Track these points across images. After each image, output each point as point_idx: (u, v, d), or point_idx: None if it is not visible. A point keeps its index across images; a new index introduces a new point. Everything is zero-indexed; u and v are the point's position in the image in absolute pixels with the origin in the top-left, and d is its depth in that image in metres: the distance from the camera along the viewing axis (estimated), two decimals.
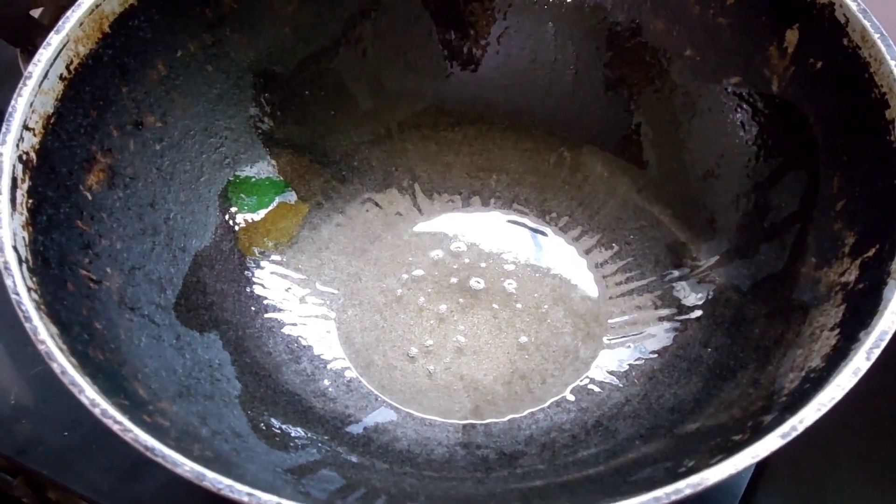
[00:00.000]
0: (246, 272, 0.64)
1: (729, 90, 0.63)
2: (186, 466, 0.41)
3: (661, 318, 0.63)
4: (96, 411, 0.42)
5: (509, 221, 0.69)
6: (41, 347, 0.44)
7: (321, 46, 0.67)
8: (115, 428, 0.42)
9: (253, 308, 0.63)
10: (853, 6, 0.54)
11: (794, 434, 0.41)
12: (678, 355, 0.60)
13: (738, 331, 0.58)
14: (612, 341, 0.63)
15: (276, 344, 0.62)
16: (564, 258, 0.67)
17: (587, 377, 0.62)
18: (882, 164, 0.51)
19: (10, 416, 0.63)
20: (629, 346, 0.63)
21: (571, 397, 0.61)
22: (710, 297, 0.62)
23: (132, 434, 0.42)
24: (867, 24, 0.53)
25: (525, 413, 0.60)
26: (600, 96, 0.68)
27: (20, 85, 0.51)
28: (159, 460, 0.42)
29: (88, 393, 0.43)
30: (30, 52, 0.73)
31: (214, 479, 0.41)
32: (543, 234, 0.69)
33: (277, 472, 0.50)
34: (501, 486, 0.53)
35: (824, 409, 0.42)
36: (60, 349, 0.44)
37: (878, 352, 0.44)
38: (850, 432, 0.60)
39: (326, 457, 0.54)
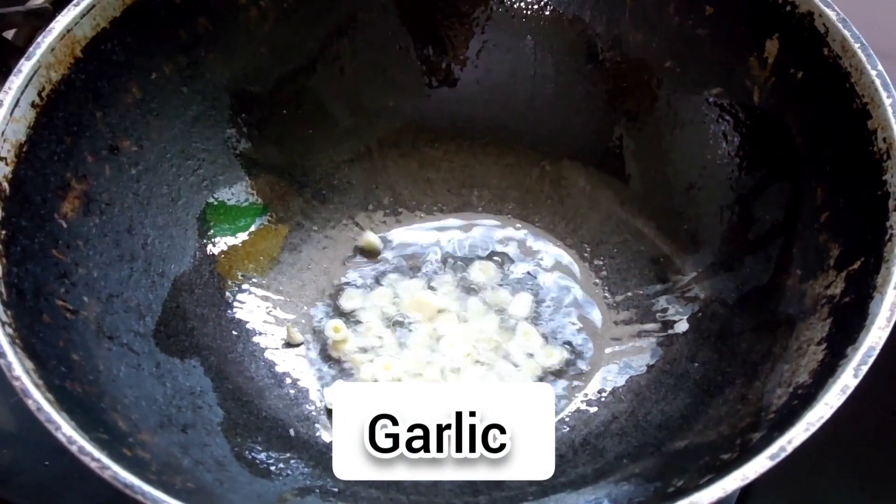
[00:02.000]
0: (226, 296, 0.64)
1: (710, 101, 0.62)
2: None
3: (646, 333, 0.63)
4: (73, 448, 0.42)
5: (492, 238, 0.69)
6: (16, 384, 0.43)
7: (298, 65, 0.67)
8: (93, 466, 0.41)
9: (234, 332, 0.62)
10: (833, 16, 0.54)
11: (783, 455, 0.41)
12: (665, 371, 0.60)
13: (725, 345, 0.58)
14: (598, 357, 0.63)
15: (259, 368, 0.61)
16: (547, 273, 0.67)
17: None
18: (865, 175, 0.51)
19: None
20: (615, 362, 0.62)
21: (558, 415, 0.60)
22: (695, 311, 0.62)
23: (110, 472, 0.41)
24: (847, 33, 0.53)
25: None
26: (581, 110, 0.68)
27: None
28: (139, 498, 0.41)
29: (65, 430, 0.42)
30: (3, 74, 0.72)
31: None
32: (526, 250, 0.68)
33: (261, 502, 0.50)
34: None
35: (813, 429, 0.42)
36: (36, 385, 0.44)
37: (865, 368, 0.43)
38: (840, 437, 0.60)
39: (311, 484, 0.54)
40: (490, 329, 0.64)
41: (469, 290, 0.66)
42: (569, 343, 0.63)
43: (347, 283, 0.67)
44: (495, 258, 0.68)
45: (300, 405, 0.60)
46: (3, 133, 0.50)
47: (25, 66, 0.52)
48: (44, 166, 0.53)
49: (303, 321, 0.65)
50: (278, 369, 0.62)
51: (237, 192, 0.66)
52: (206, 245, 0.64)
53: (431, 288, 0.66)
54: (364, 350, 0.63)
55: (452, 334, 0.64)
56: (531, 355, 0.63)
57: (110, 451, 0.42)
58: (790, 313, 0.54)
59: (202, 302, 0.62)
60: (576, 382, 0.62)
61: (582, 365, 0.62)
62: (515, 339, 0.63)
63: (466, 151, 0.71)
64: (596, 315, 0.65)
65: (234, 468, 0.52)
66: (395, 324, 0.64)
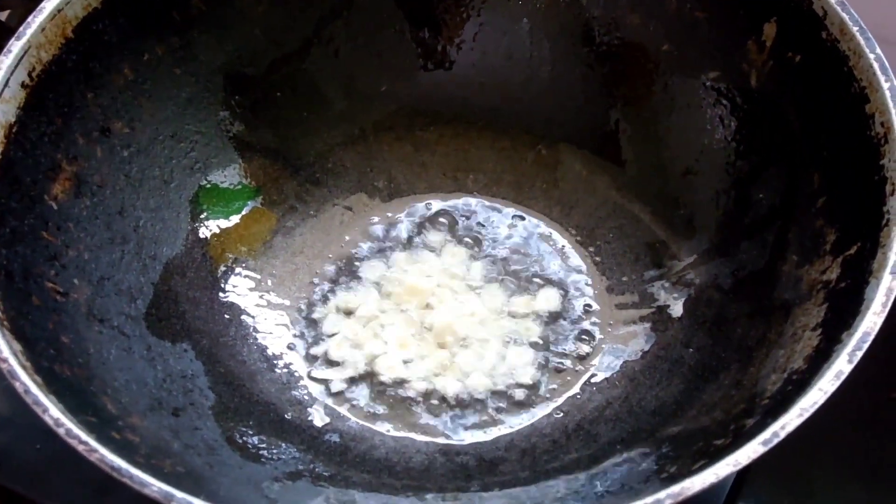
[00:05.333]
0: (219, 279, 0.63)
1: (707, 85, 0.62)
2: (154, 487, 0.40)
3: (641, 319, 0.62)
4: (61, 431, 0.41)
5: (487, 222, 0.69)
6: (3, 366, 0.43)
7: (293, 47, 0.66)
8: (81, 448, 0.41)
9: (226, 316, 0.62)
10: None
11: (776, 440, 0.41)
12: (659, 356, 0.60)
13: (720, 331, 0.57)
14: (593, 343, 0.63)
15: (251, 352, 0.61)
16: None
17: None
18: (863, 160, 0.50)
19: None
20: (610, 347, 0.62)
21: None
22: (691, 296, 0.61)
23: (98, 454, 0.41)
24: (846, 16, 0.52)
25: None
26: (577, 93, 0.67)
27: None
28: (126, 481, 0.41)
29: (52, 412, 0.42)
30: None
31: (183, 500, 0.40)
32: (523, 235, 0.68)
33: (251, 486, 0.50)
34: None
35: (806, 415, 0.42)
36: (24, 367, 0.43)
37: (860, 354, 0.43)
38: (834, 426, 0.60)
39: (302, 468, 0.53)
40: (483, 312, 0.64)
41: (462, 273, 0.66)
42: (564, 327, 0.63)
43: (342, 268, 0.66)
44: (492, 241, 0.67)
45: (292, 389, 0.60)
46: None
47: (15, 47, 0.52)
48: (34, 147, 0.52)
49: (297, 307, 0.65)
50: (270, 353, 0.62)
51: (230, 175, 0.66)
52: (198, 228, 0.64)
53: (424, 271, 0.66)
54: (352, 336, 0.63)
55: (448, 317, 0.63)
56: (523, 340, 0.63)
57: (98, 435, 0.42)
58: (786, 298, 0.53)
59: (194, 285, 0.62)
60: (571, 368, 0.61)
61: (576, 350, 0.62)
62: (509, 321, 0.63)
63: (462, 135, 0.70)
64: (590, 300, 0.64)
65: (225, 452, 0.52)
66: (392, 309, 0.64)
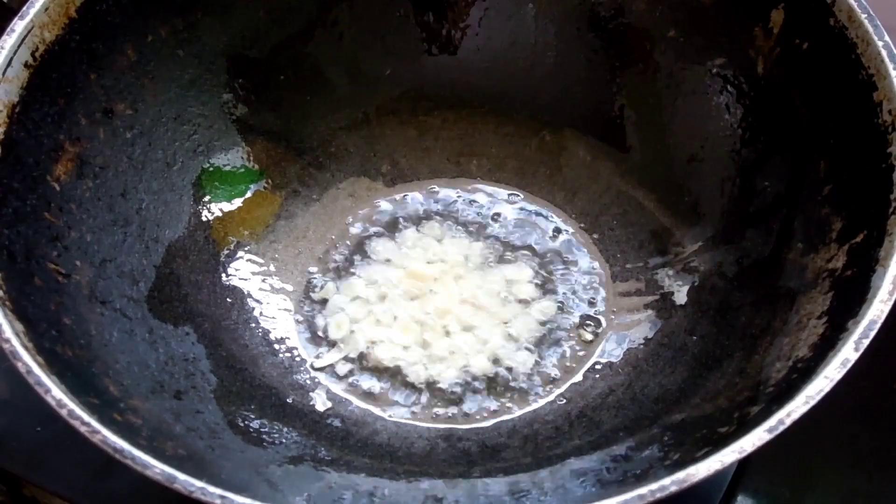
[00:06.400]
0: (221, 263, 0.63)
1: (714, 72, 0.62)
2: (157, 469, 0.40)
3: (645, 306, 0.62)
4: (63, 412, 0.41)
5: (490, 208, 0.68)
6: (6, 346, 0.43)
7: (296, 30, 0.66)
8: (83, 430, 0.41)
9: (229, 299, 0.62)
10: None
11: (782, 428, 0.41)
12: (663, 344, 0.60)
13: (724, 319, 0.57)
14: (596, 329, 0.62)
15: (253, 336, 0.61)
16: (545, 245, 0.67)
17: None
18: (870, 148, 0.50)
19: None
20: (613, 335, 0.62)
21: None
22: (695, 283, 0.61)
23: (100, 436, 0.41)
24: (854, 3, 0.52)
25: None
26: (582, 79, 0.67)
27: None
28: (129, 462, 0.41)
29: (55, 393, 0.42)
30: None
31: (186, 482, 0.40)
32: (526, 221, 0.68)
33: (253, 470, 0.49)
34: None
35: (812, 402, 0.41)
36: (26, 347, 0.43)
37: (866, 342, 0.43)
38: (837, 416, 0.60)
39: (304, 453, 0.53)
40: (485, 298, 0.64)
41: (464, 259, 0.65)
42: (567, 313, 0.63)
43: (345, 252, 0.66)
44: (495, 227, 0.67)
45: (294, 374, 0.60)
46: None
47: (18, 26, 0.51)
48: (36, 128, 0.52)
49: (299, 291, 0.65)
50: (272, 337, 0.62)
51: (233, 158, 0.66)
52: (200, 211, 0.63)
53: (426, 256, 0.66)
54: (355, 321, 0.63)
55: (450, 302, 0.63)
56: (525, 325, 0.62)
57: (100, 416, 0.42)
58: (790, 287, 0.53)
59: (196, 268, 0.61)
60: (575, 354, 0.61)
61: (579, 336, 0.62)
62: (511, 307, 0.63)
63: (465, 120, 0.70)
64: (594, 287, 0.64)
65: (227, 436, 0.52)
66: (394, 294, 0.64)
